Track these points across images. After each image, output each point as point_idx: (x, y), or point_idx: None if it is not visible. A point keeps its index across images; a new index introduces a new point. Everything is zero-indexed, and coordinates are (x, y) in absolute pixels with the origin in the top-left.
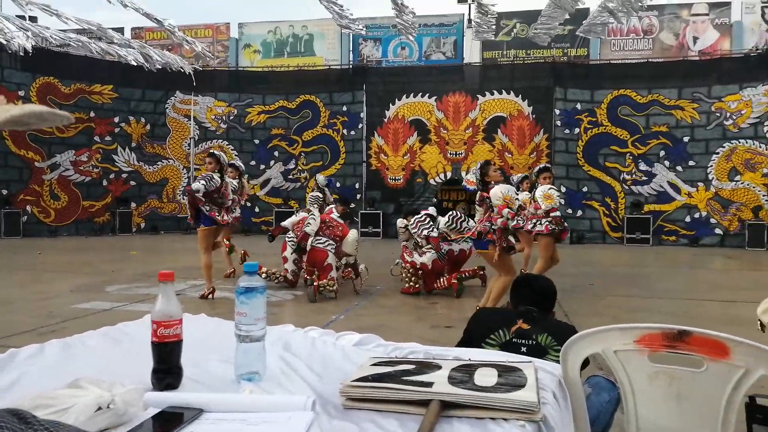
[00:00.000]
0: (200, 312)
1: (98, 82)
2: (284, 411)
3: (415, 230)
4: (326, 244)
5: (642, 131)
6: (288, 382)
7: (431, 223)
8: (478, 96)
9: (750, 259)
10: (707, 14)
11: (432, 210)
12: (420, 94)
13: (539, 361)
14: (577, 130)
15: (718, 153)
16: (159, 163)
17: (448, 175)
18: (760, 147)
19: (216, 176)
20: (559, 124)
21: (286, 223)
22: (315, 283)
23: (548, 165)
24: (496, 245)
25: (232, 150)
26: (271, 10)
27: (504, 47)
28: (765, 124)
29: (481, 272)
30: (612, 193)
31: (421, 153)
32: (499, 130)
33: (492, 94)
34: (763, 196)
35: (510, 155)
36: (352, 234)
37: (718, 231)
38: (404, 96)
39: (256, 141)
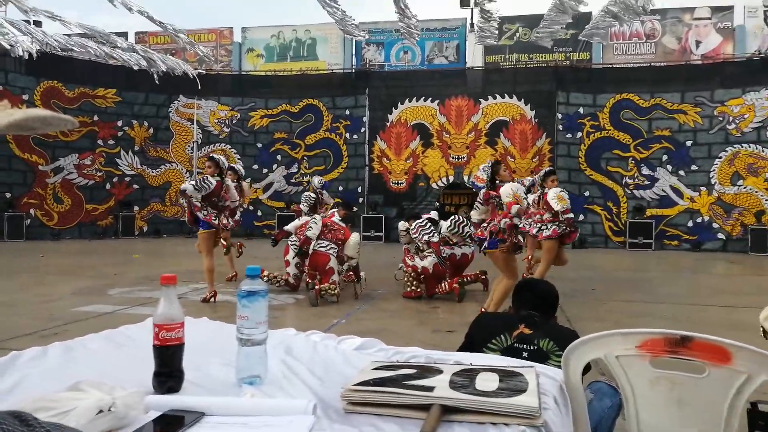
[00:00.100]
0: (202, 315)
1: (102, 86)
2: (285, 415)
3: (416, 235)
4: (328, 247)
5: (644, 135)
6: (289, 385)
7: (432, 228)
8: (481, 100)
9: (752, 264)
10: (710, 18)
11: (434, 214)
12: (422, 98)
13: (541, 366)
14: (579, 134)
15: (720, 157)
16: (162, 166)
17: (451, 179)
18: (763, 151)
19: (211, 179)
20: (562, 128)
21: (289, 227)
22: (317, 287)
23: (553, 168)
24: (507, 243)
25: (234, 154)
26: (272, 10)
27: (506, 51)
28: None
29: (483, 277)
30: (614, 198)
31: (424, 157)
32: (501, 134)
33: (494, 98)
34: (766, 200)
35: (512, 159)
36: (354, 237)
37: (720, 236)
38: (407, 100)
39: (259, 145)
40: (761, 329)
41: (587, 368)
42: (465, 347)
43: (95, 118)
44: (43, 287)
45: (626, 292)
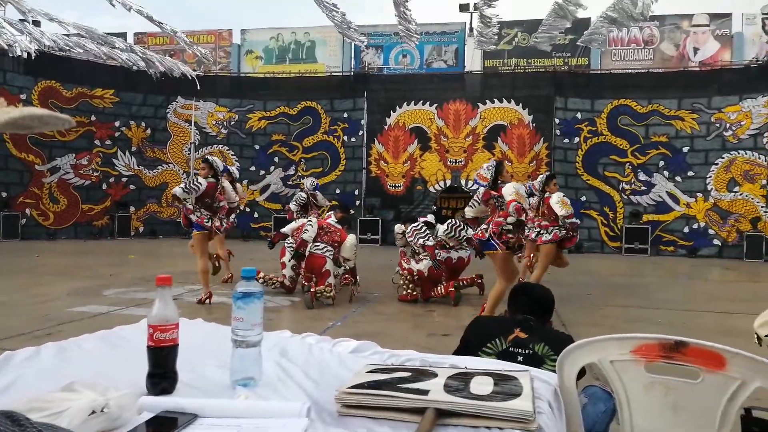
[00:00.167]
0: (197, 317)
1: (100, 86)
2: (279, 417)
3: (412, 238)
4: (324, 250)
5: (641, 141)
6: (284, 388)
7: (427, 231)
8: (479, 104)
9: (748, 271)
10: (708, 25)
11: (431, 217)
12: (421, 101)
13: (535, 370)
14: (576, 140)
15: (717, 164)
16: (159, 167)
17: (448, 182)
18: (760, 158)
19: (201, 180)
20: (559, 133)
21: (285, 229)
22: (312, 289)
23: (553, 173)
24: (513, 239)
25: (232, 155)
26: (272, 10)
27: (505, 56)
28: (764, 135)
29: (479, 280)
30: (611, 203)
31: (422, 160)
32: (499, 139)
33: (492, 102)
34: (762, 207)
35: (510, 164)
36: (350, 239)
37: (716, 242)
38: (405, 103)
39: (257, 146)
40: (755, 336)
41: (582, 373)
42: (460, 351)
43: (93, 118)
44: (38, 287)
45: (622, 297)
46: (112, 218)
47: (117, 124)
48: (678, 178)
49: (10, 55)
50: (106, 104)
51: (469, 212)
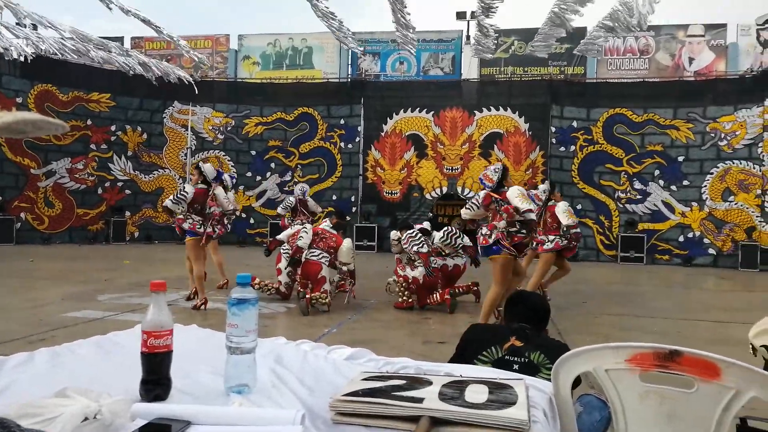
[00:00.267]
0: (192, 323)
1: (96, 90)
2: (273, 425)
3: (406, 245)
4: (320, 256)
5: (637, 150)
6: (278, 395)
7: (422, 238)
8: (475, 112)
9: (743, 280)
10: (703, 35)
11: (427, 225)
12: (417, 108)
13: (530, 378)
14: (572, 148)
15: (712, 173)
16: (155, 172)
17: (444, 190)
18: (754, 168)
19: (188, 187)
20: (555, 142)
21: (281, 236)
22: (307, 296)
23: (554, 182)
24: (527, 240)
25: (228, 161)
26: (270, 14)
27: (501, 64)
28: (759, 145)
29: (475, 288)
30: (606, 211)
31: (418, 167)
32: (495, 146)
33: (489, 110)
34: (757, 217)
35: None
36: (347, 243)
37: (711, 251)
38: (402, 110)
39: (253, 152)
40: (750, 346)
41: (577, 381)
42: (456, 359)
43: (89, 122)
44: (32, 292)
45: (617, 306)
46: (107, 223)
47: (113, 128)
48: (673, 187)
49: (6, 59)
50: (102, 108)
51: (466, 214)
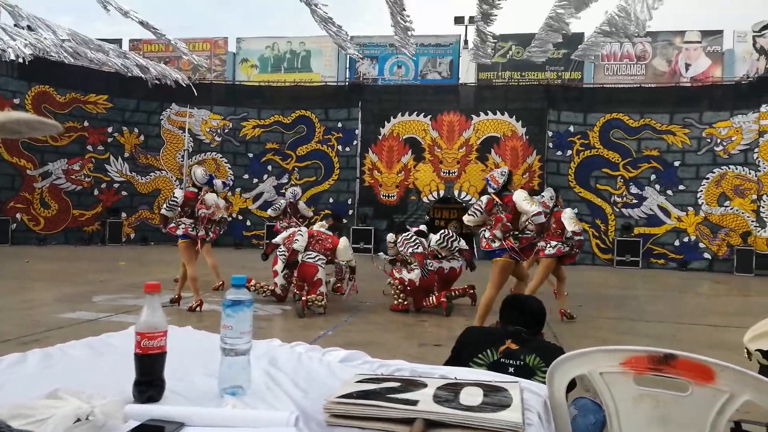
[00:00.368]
0: (187, 324)
1: (93, 91)
2: (266, 426)
3: (402, 248)
4: (316, 258)
5: (633, 155)
6: (272, 397)
7: (417, 240)
8: (473, 116)
9: (738, 285)
10: (700, 42)
11: (424, 228)
12: (415, 112)
13: (525, 381)
14: (569, 152)
15: (708, 178)
16: (152, 174)
17: (441, 193)
18: (750, 173)
19: (177, 192)
20: (552, 146)
21: (277, 239)
22: (303, 298)
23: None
24: (536, 241)
25: (225, 163)
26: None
27: (499, 68)
28: (755, 150)
29: (471, 291)
30: (602, 215)
31: (415, 171)
32: (492, 150)
33: (486, 114)
34: (752, 221)
35: None
36: (343, 241)
37: (706, 255)
38: (399, 114)
39: (250, 155)
40: (745, 350)
41: (572, 384)
42: (452, 361)
43: (85, 123)
44: (27, 293)
45: (613, 309)
46: (103, 224)
47: (110, 129)
48: (669, 192)
49: (4, 60)
50: (99, 110)
51: (469, 220)
